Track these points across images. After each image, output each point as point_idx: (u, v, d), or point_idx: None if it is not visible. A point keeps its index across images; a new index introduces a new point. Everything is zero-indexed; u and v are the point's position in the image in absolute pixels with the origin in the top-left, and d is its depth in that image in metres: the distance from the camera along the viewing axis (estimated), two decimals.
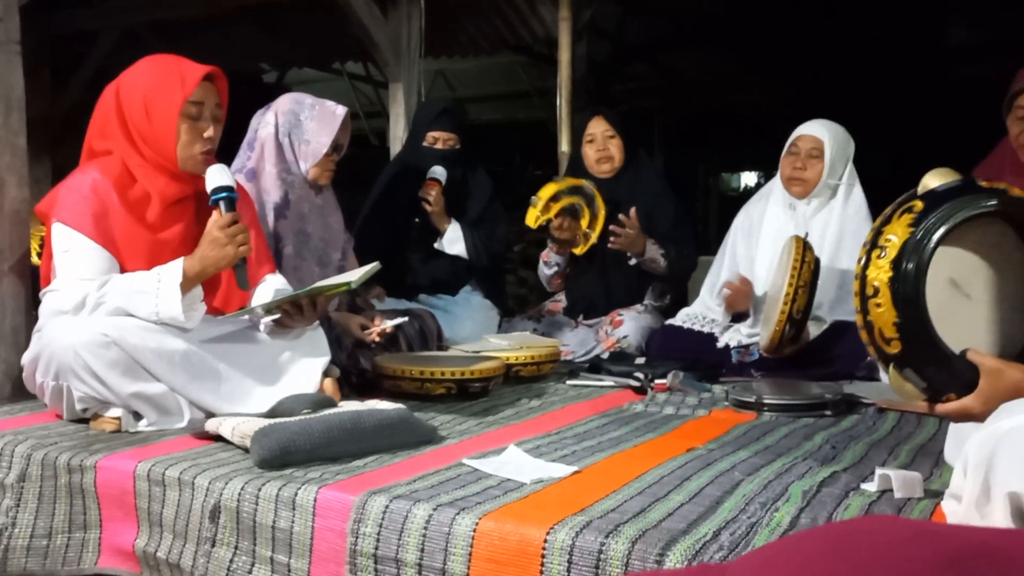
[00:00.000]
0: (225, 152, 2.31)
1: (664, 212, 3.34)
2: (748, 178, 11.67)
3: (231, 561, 1.56)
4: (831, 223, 2.96)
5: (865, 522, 0.88)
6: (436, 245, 3.32)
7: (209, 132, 2.12)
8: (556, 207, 3.21)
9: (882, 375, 2.59)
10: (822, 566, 0.80)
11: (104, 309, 2.00)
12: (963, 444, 1.35)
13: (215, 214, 2.06)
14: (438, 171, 3.26)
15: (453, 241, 3.31)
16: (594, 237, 3.25)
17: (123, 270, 2.07)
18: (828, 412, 2.23)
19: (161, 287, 1.99)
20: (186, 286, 2.00)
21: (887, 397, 2.33)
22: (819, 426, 2.12)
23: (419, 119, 3.49)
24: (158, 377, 1.99)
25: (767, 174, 3.04)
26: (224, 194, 2.05)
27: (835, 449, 1.88)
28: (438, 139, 3.34)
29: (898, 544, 0.81)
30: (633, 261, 3.27)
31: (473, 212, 3.39)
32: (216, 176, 2.07)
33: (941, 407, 1.47)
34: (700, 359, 2.85)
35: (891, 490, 1.54)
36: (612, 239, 3.17)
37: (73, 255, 2.04)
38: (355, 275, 2.13)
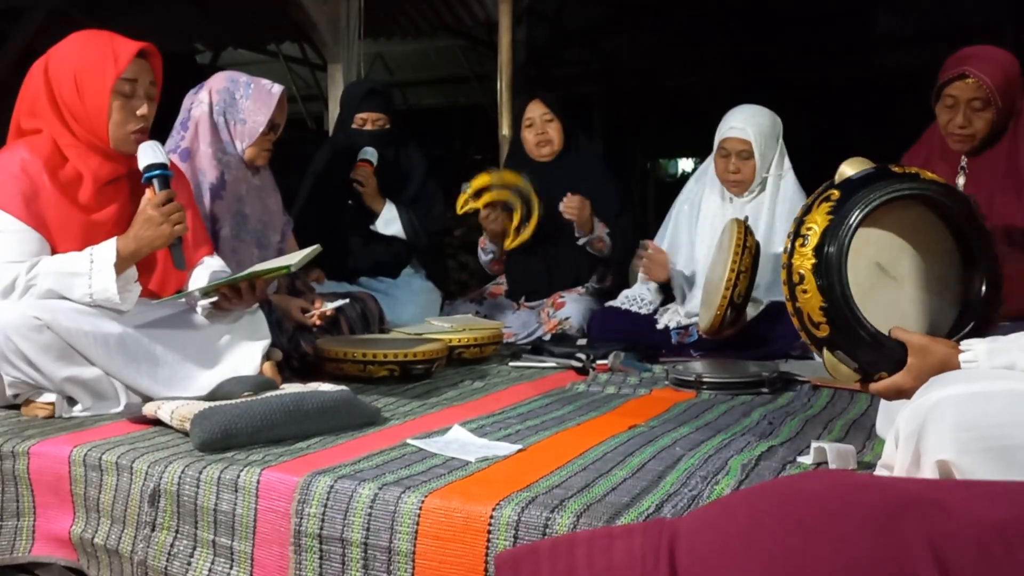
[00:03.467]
0: (157, 133, 2.25)
1: (606, 195, 3.37)
2: (685, 164, 11.82)
3: (172, 545, 1.54)
4: (764, 205, 3.01)
5: (809, 477, 0.92)
6: (372, 227, 3.30)
7: (143, 110, 2.06)
8: (486, 198, 3.18)
9: (817, 356, 2.66)
10: (771, 519, 0.83)
11: (35, 292, 1.94)
12: (894, 417, 1.39)
13: (148, 192, 2.01)
14: (369, 152, 3.24)
15: (389, 222, 3.29)
16: (525, 234, 3.22)
17: (55, 253, 2.01)
18: (765, 390, 2.29)
19: (94, 268, 1.94)
20: (120, 266, 1.95)
21: (821, 375, 2.40)
22: (756, 403, 2.17)
23: (347, 101, 3.45)
24: (93, 361, 1.94)
25: (703, 161, 3.10)
26: (157, 171, 2.00)
27: (772, 425, 1.93)
28: (367, 120, 3.31)
29: (840, 496, 0.85)
30: (581, 241, 3.29)
31: (409, 191, 3.36)
32: (148, 154, 2.01)
33: (874, 386, 1.53)
34: (640, 340, 2.88)
35: (826, 462, 1.58)
36: (565, 207, 3.17)
37: (1, 237, 1.98)
38: (294, 258, 2.10)
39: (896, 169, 1.56)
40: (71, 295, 1.95)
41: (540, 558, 1.02)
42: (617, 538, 0.98)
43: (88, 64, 2.02)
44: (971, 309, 1.56)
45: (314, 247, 2.14)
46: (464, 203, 3.18)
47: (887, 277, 1.57)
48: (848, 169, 1.56)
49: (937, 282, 1.59)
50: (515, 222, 3.22)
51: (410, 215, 3.30)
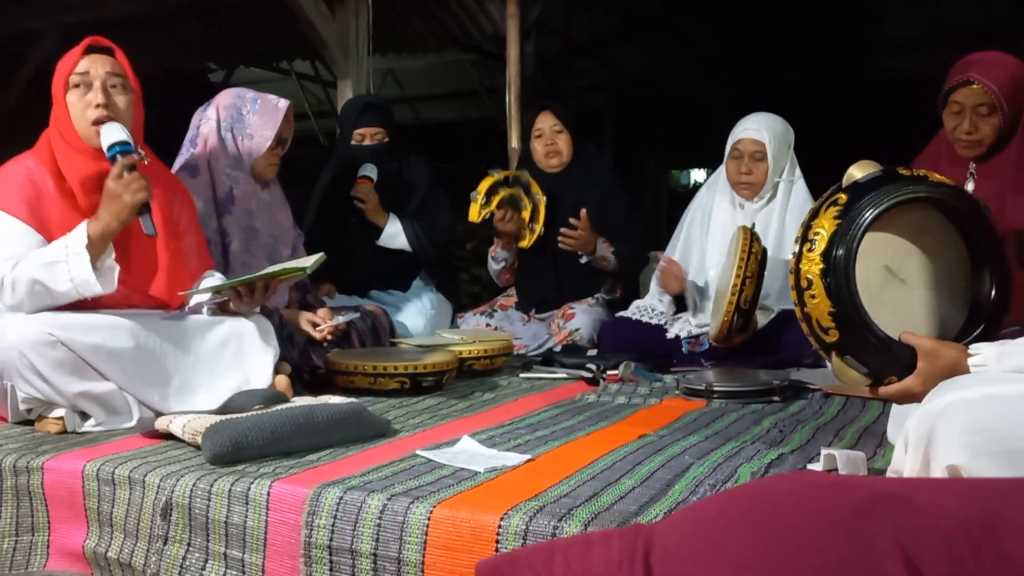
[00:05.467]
0: (167, 151, 2.28)
1: (614, 206, 3.38)
2: (697, 174, 11.80)
3: (184, 558, 1.55)
4: (775, 213, 3.01)
5: (781, 479, 0.93)
6: (378, 242, 3.30)
7: (98, 99, 2.08)
8: (496, 199, 3.23)
9: (827, 362, 2.65)
10: (743, 524, 0.83)
11: (22, 288, 1.97)
12: (904, 422, 1.39)
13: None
14: (368, 168, 3.25)
15: (393, 236, 3.29)
16: (539, 228, 3.28)
17: None
18: (776, 398, 2.28)
19: (69, 252, 1.96)
20: (94, 248, 1.96)
21: (833, 383, 2.39)
22: (767, 411, 2.16)
23: (344, 118, 3.47)
24: (106, 376, 1.96)
25: (715, 170, 3.10)
26: (118, 148, 2.02)
27: (783, 432, 1.92)
28: (365, 135, 3.32)
29: (810, 495, 0.85)
30: (584, 259, 3.30)
31: (413, 203, 3.37)
32: (109, 133, 2.04)
33: (884, 389, 1.52)
34: (651, 350, 2.88)
35: (836, 469, 1.57)
36: (562, 240, 3.20)
37: (3, 238, 2.02)
38: (308, 261, 2.18)
39: (904, 172, 1.56)
40: (56, 287, 1.96)
41: (519, 565, 1.03)
42: (595, 544, 0.99)
43: (56, 74, 2.12)
44: (981, 310, 1.55)
45: (321, 254, 2.19)
46: (479, 211, 3.21)
47: (895, 279, 1.57)
48: (856, 172, 1.56)
49: (946, 284, 1.58)
50: (526, 217, 3.27)
51: (415, 227, 3.31)
